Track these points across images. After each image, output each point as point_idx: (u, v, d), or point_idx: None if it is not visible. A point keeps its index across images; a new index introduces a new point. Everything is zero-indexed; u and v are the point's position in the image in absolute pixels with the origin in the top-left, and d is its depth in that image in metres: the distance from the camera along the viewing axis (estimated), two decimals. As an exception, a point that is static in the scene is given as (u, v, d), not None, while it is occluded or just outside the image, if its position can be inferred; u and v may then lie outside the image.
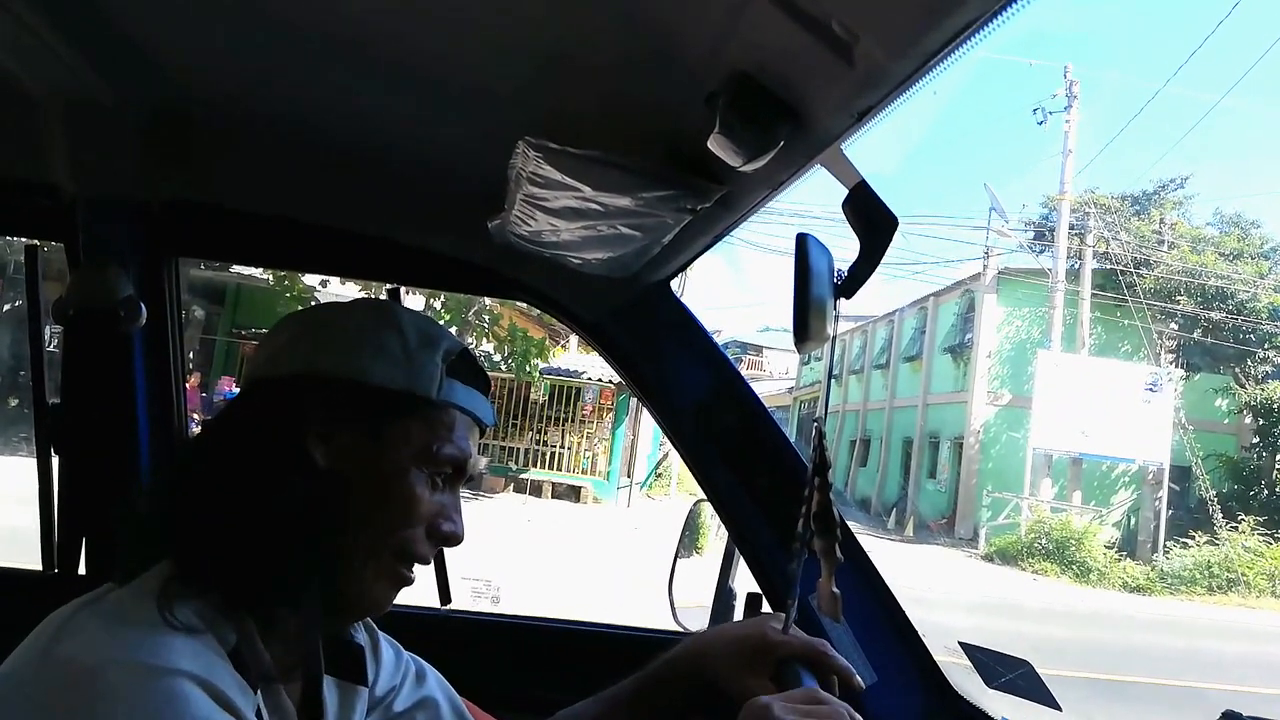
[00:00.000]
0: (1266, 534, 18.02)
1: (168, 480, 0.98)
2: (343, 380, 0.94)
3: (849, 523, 1.09)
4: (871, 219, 0.98)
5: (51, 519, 1.65)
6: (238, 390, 1.07)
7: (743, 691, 1.04)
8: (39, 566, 1.67)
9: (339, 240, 1.66)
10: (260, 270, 15.18)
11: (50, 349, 1.69)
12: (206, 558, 0.87)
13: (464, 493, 1.04)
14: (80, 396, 1.64)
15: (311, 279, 15.44)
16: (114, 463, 1.66)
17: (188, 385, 1.79)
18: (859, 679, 1.05)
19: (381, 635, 1.17)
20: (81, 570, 1.66)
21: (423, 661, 1.21)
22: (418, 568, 1.00)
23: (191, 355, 17.15)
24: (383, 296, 1.65)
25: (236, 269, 16.21)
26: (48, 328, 1.65)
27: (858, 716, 0.92)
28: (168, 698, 0.75)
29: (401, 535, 0.95)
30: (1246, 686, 8.91)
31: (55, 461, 1.64)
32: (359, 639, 1.11)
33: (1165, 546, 19.37)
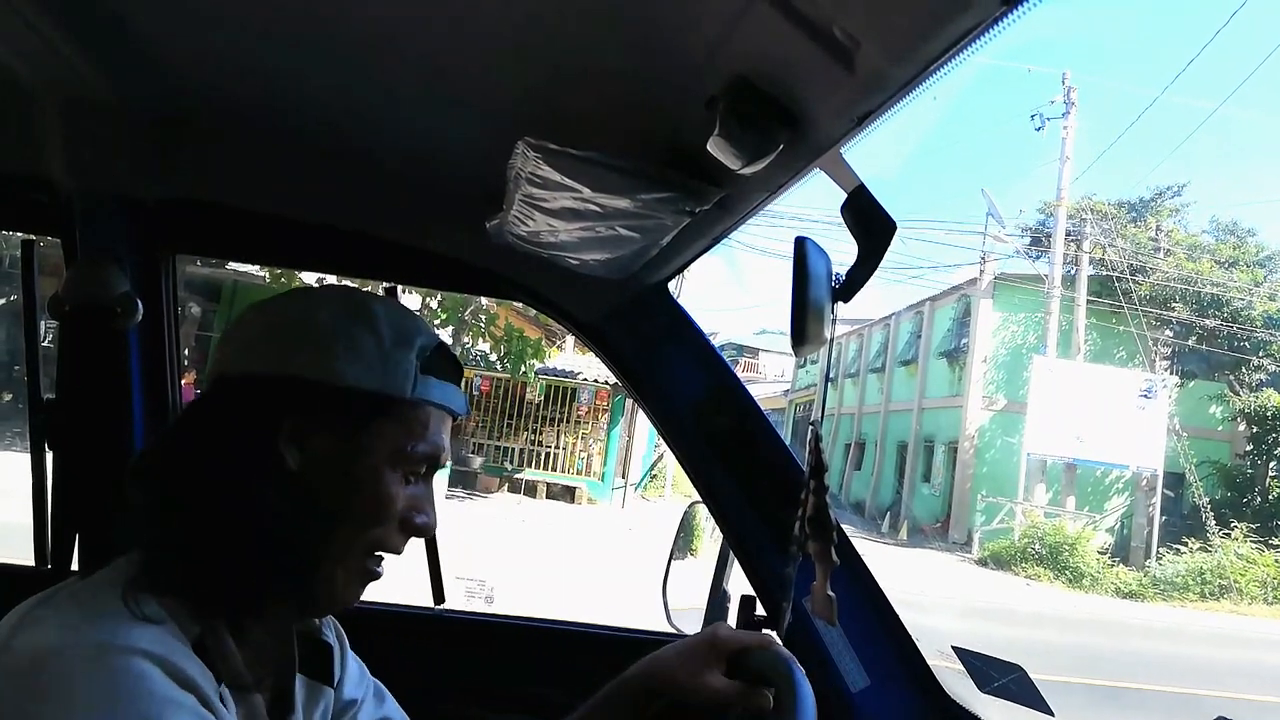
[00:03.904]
0: (1259, 541, 18.04)
1: (139, 477, 0.96)
2: (316, 383, 0.92)
3: (843, 526, 1.09)
4: (870, 223, 0.98)
5: (45, 515, 1.64)
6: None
7: (700, 691, 1.10)
8: (32, 562, 1.66)
9: (336, 239, 1.66)
10: (257, 268, 15.10)
11: (46, 344, 1.68)
12: (173, 561, 0.86)
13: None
14: (75, 393, 1.63)
15: (308, 277, 15.40)
16: (108, 459, 1.65)
17: (183, 382, 1.78)
18: (799, 670, 1.03)
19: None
20: (74, 566, 1.65)
21: (380, 683, 1.21)
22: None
23: (187, 352, 17.09)
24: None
25: (233, 266, 16.13)
26: (43, 323, 1.65)
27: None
28: (125, 675, 0.75)
29: (374, 533, 0.95)
30: (1239, 693, 8.94)
31: (49, 457, 1.63)
32: (329, 638, 1.11)
33: (1158, 553, 19.40)
